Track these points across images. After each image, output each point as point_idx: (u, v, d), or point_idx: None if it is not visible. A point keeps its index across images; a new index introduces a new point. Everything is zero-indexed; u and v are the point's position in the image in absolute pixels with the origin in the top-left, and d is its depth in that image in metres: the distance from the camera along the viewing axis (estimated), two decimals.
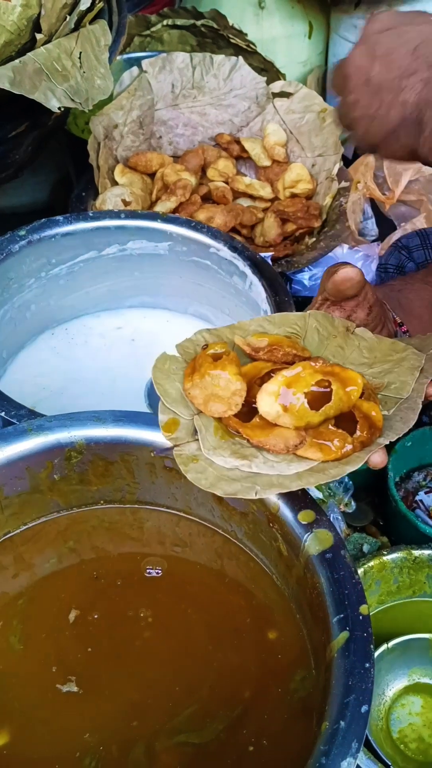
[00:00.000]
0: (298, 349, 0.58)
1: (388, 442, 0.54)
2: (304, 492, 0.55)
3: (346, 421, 0.54)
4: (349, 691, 0.45)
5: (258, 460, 0.53)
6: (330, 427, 0.54)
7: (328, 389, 0.54)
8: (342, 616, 0.48)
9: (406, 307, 0.71)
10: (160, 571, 0.58)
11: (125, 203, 0.90)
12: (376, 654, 0.60)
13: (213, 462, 0.53)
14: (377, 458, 0.54)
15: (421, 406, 0.57)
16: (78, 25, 0.83)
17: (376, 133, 0.60)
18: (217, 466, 0.53)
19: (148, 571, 0.58)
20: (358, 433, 0.53)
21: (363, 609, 0.48)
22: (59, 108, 0.75)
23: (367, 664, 0.46)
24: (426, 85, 0.56)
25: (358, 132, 0.62)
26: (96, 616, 0.56)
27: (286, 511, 0.54)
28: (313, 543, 0.52)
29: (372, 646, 0.47)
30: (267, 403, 0.53)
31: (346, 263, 0.63)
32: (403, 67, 0.57)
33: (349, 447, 0.53)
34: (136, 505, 0.63)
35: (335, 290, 0.62)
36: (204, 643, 0.55)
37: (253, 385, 0.56)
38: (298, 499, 0.54)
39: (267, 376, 0.56)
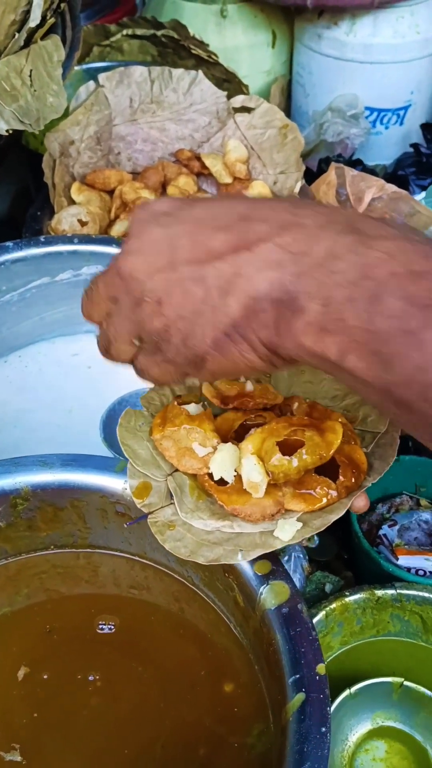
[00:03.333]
0: (269, 397, 0.55)
1: (369, 485, 0.52)
2: None
3: (328, 466, 0.51)
4: (305, 759, 0.43)
5: (240, 520, 0.51)
6: (312, 474, 0.51)
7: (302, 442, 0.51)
8: (298, 676, 0.46)
9: None
10: (113, 627, 0.56)
11: (82, 223, 0.88)
12: (339, 700, 0.59)
13: (191, 527, 0.51)
14: (360, 503, 0.51)
15: (398, 441, 0.54)
16: (28, 42, 0.80)
17: (205, 339, 0.42)
18: (195, 530, 0.50)
19: (100, 626, 0.56)
20: (341, 478, 0.51)
21: (320, 668, 0.46)
22: (8, 130, 0.72)
23: (323, 729, 0.44)
24: (287, 255, 0.39)
25: (169, 344, 0.43)
26: (45, 677, 0.53)
27: (241, 562, 0.52)
28: (269, 596, 0.50)
29: (329, 709, 0.45)
30: (250, 469, 0.50)
31: None
32: (222, 249, 0.40)
33: (333, 493, 0.50)
34: (89, 550, 0.61)
35: None
36: (156, 701, 0.53)
37: (228, 440, 0.54)
38: None
39: (240, 430, 0.54)
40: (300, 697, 0.45)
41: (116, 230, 0.89)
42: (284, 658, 0.47)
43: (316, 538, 0.68)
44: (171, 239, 0.42)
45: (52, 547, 0.60)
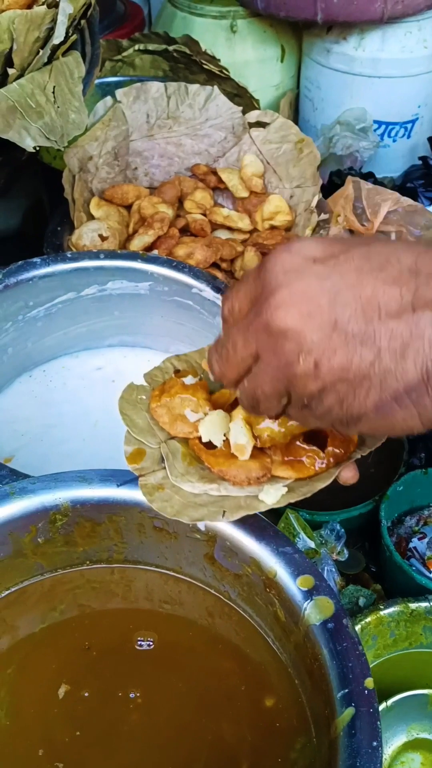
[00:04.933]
0: None
1: (359, 456, 0.52)
2: (301, 555, 0.53)
3: (318, 437, 0.53)
4: None
5: (227, 482, 0.52)
6: (299, 443, 0.52)
7: None
8: (347, 691, 0.46)
9: None
10: (151, 643, 0.56)
11: (102, 238, 0.88)
12: None
13: (180, 489, 0.52)
14: (348, 473, 0.51)
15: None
16: (51, 58, 0.81)
17: (367, 402, 0.39)
18: (184, 493, 0.52)
19: (139, 643, 0.56)
20: (329, 447, 0.52)
21: (368, 683, 0.46)
22: (34, 147, 0.73)
23: (375, 743, 0.44)
24: None
25: (321, 404, 0.41)
26: (86, 694, 0.53)
27: (284, 576, 0.52)
28: (314, 611, 0.50)
29: (379, 723, 0.45)
30: (237, 431, 0.52)
31: None
32: (395, 307, 0.38)
33: (321, 463, 0.51)
34: (124, 565, 0.61)
35: None
36: (196, 716, 0.53)
37: (226, 408, 0.55)
38: (296, 563, 0.52)
39: (235, 403, 0.55)
40: (350, 711, 0.45)
41: (135, 245, 0.90)
42: (331, 673, 0.47)
43: (345, 551, 0.69)
44: (331, 293, 0.38)
45: (87, 562, 0.60)
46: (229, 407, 0.55)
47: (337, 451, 0.52)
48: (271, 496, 0.50)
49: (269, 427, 0.52)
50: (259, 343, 0.41)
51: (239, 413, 0.53)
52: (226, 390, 0.56)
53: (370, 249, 0.40)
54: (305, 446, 0.52)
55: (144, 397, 0.57)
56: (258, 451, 0.52)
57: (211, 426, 0.53)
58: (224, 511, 0.50)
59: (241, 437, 0.52)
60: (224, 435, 0.53)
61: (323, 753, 0.48)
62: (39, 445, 0.76)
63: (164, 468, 0.53)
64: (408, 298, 0.37)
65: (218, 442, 0.53)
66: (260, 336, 0.40)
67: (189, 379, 0.56)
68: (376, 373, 0.38)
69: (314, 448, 0.52)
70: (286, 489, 0.51)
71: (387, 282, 0.38)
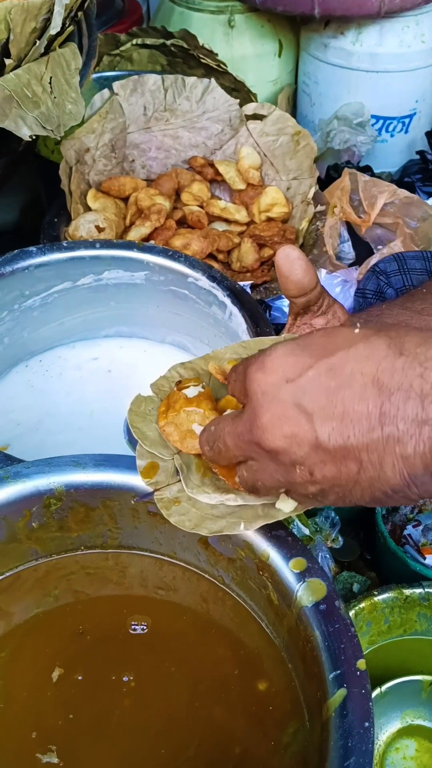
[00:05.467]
0: None
1: None
2: (294, 538, 0.53)
3: None
4: (349, 753, 0.43)
5: (243, 492, 0.51)
6: None
7: None
8: (339, 672, 0.46)
9: None
10: (145, 627, 0.56)
11: (99, 229, 0.88)
12: None
13: (197, 502, 0.52)
14: None
15: None
16: (48, 49, 0.81)
17: (363, 497, 0.44)
18: (200, 505, 0.52)
19: (133, 627, 0.56)
20: None
21: (360, 664, 0.46)
22: (31, 136, 0.73)
23: (367, 723, 0.44)
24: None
25: (325, 499, 0.45)
26: (80, 678, 0.53)
27: (276, 559, 0.52)
28: (306, 593, 0.50)
29: (371, 704, 0.45)
30: None
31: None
32: (366, 425, 0.41)
33: None
34: (118, 550, 0.61)
35: (283, 280, 0.55)
36: (189, 701, 0.53)
37: None
38: (289, 545, 0.52)
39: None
40: (342, 692, 0.45)
41: (132, 236, 0.90)
42: (323, 654, 0.47)
43: (340, 538, 0.69)
44: (307, 414, 0.42)
45: (82, 548, 0.60)
46: None
47: None
48: (289, 504, 0.50)
49: None
50: (254, 453, 0.45)
51: None
52: (232, 397, 0.56)
53: (334, 363, 0.43)
54: None
55: (152, 408, 0.56)
56: None
57: None
58: (243, 522, 0.50)
59: None
60: None
61: (315, 737, 0.48)
62: (34, 434, 0.76)
63: (179, 481, 0.52)
64: (375, 414, 0.41)
65: None
66: (253, 449, 0.45)
67: (191, 391, 0.55)
68: (363, 479, 0.42)
69: None
70: None
71: (354, 400, 0.41)
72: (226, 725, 0.53)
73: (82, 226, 0.87)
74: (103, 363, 0.82)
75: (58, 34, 0.80)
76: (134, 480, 0.56)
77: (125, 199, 0.96)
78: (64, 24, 0.80)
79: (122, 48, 1.18)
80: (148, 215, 0.91)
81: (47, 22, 0.79)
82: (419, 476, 0.41)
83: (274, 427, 0.43)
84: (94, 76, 1.19)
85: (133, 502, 0.56)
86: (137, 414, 0.56)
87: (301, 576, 0.51)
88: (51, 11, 0.78)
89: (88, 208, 0.92)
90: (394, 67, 1.22)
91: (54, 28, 0.78)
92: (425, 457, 0.40)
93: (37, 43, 0.78)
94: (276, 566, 0.52)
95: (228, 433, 0.47)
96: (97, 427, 0.77)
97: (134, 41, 1.18)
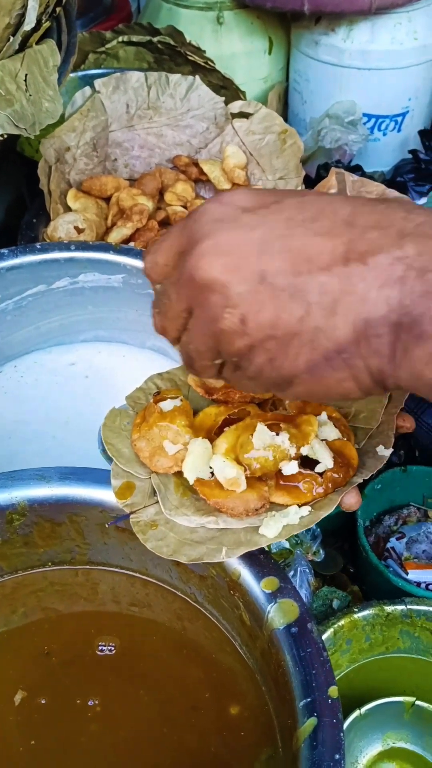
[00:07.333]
0: None
1: (361, 481, 0.50)
2: (267, 555, 0.50)
3: (317, 463, 0.50)
4: None
5: (225, 515, 0.49)
6: (297, 468, 0.49)
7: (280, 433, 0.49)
8: (309, 700, 0.44)
9: None
10: (113, 648, 0.54)
11: (78, 230, 0.86)
12: (349, 721, 0.56)
13: (175, 525, 0.49)
14: (351, 499, 0.49)
15: (393, 439, 0.52)
16: (23, 46, 0.78)
17: (297, 361, 0.37)
18: (179, 529, 0.49)
19: (100, 648, 0.54)
20: (327, 472, 0.49)
21: (332, 691, 0.44)
22: (2, 135, 0.70)
23: (337, 756, 0.42)
24: (411, 271, 0.33)
25: (251, 364, 0.38)
26: (43, 701, 0.51)
27: (248, 578, 0.50)
28: (278, 615, 0.48)
29: (342, 734, 0.43)
30: (220, 467, 0.48)
31: None
32: (326, 259, 0.35)
33: (320, 489, 0.49)
34: (88, 566, 0.58)
35: None
36: (159, 726, 0.51)
37: (211, 436, 0.52)
38: (261, 564, 0.50)
39: (222, 427, 0.52)
40: (312, 722, 0.43)
41: (113, 237, 0.88)
42: (294, 680, 0.45)
43: (321, 551, 0.66)
44: (259, 243, 0.36)
45: (49, 564, 0.58)
46: (217, 430, 0.52)
47: (336, 475, 0.49)
48: (272, 529, 0.47)
49: (260, 455, 0.48)
50: (188, 297, 0.38)
51: (223, 443, 0.49)
52: (211, 410, 0.53)
53: (303, 200, 0.37)
54: (302, 471, 0.49)
55: (128, 422, 0.54)
56: (254, 480, 0.49)
57: (193, 464, 0.49)
58: (224, 548, 0.47)
59: (228, 470, 0.48)
60: (210, 467, 0.49)
61: (288, 765, 0.46)
62: (8, 442, 0.73)
63: (156, 502, 0.50)
64: (340, 250, 0.35)
65: (206, 475, 0.49)
66: (188, 289, 0.38)
67: (167, 404, 0.52)
68: (305, 330, 0.35)
69: (311, 472, 0.49)
70: (286, 521, 0.48)
71: (319, 233, 0.35)
72: (197, 752, 0.51)
73: (61, 226, 0.85)
74: (81, 368, 0.79)
75: (34, 30, 0.77)
76: (102, 494, 0.54)
77: (107, 199, 0.93)
78: (39, 20, 0.78)
79: (108, 46, 1.16)
80: (130, 216, 0.88)
81: (22, 18, 0.76)
82: (376, 327, 0.34)
83: (215, 255, 0.36)
84: (80, 74, 1.16)
85: (107, 526, 0.54)
86: (111, 429, 0.53)
87: (273, 596, 0.48)
88: (25, 6, 0.75)
89: (68, 209, 0.90)
90: (387, 64, 1.20)
91: (28, 24, 0.75)
92: (390, 302, 0.33)
93: (11, 40, 0.76)
94: (247, 586, 0.49)
95: (170, 282, 0.39)
96: (73, 435, 0.75)
97: (120, 38, 1.15)
